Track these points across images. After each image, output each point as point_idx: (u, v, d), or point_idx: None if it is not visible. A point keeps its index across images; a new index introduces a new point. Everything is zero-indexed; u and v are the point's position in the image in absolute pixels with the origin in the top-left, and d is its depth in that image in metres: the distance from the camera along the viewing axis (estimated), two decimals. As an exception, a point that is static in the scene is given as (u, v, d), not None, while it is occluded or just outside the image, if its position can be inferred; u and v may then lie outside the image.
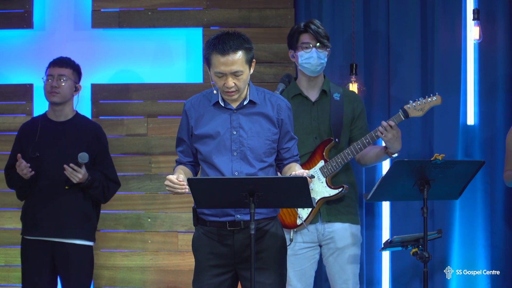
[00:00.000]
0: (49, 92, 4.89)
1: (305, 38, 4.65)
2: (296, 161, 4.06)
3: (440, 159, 4.03)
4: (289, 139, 4.02)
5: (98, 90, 5.68)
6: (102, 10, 5.71)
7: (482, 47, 5.37)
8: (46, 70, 4.95)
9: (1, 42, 5.77)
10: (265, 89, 4.02)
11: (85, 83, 5.65)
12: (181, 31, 5.72)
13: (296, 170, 3.89)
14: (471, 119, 5.39)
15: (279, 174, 4.13)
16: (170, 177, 3.77)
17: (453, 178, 4.17)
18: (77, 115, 5.01)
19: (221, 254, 3.93)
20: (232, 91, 3.85)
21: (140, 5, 5.71)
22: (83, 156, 4.73)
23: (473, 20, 5.30)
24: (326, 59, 4.66)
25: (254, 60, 3.89)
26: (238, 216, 3.90)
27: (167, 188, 3.78)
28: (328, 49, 4.67)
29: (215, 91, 3.94)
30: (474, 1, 5.35)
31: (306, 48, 4.64)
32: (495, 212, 5.35)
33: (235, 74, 3.82)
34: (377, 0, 5.48)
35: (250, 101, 3.94)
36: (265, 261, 3.91)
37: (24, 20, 5.72)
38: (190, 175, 4.00)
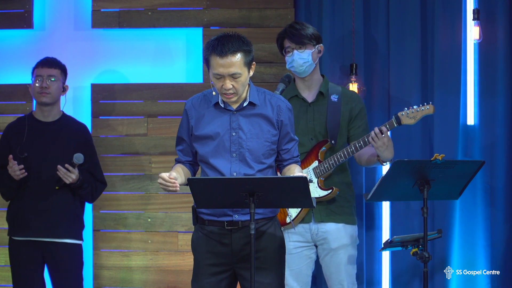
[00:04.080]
0: (39, 92, 4.90)
1: (286, 43, 4.70)
2: (296, 162, 4.06)
3: (440, 159, 4.03)
4: (289, 140, 4.02)
5: (98, 90, 5.68)
6: (102, 10, 5.71)
7: (482, 47, 5.37)
8: (33, 70, 4.95)
9: (1, 42, 5.77)
10: (266, 89, 4.02)
11: (85, 83, 5.66)
12: (181, 31, 5.72)
13: (295, 172, 3.90)
14: (471, 119, 5.39)
15: (279, 175, 4.14)
16: (162, 174, 3.79)
17: (453, 178, 4.17)
18: (64, 116, 5.02)
19: (219, 254, 3.94)
20: (230, 93, 3.85)
21: (140, 5, 5.71)
22: (79, 157, 4.74)
23: (473, 20, 5.30)
24: (310, 57, 4.65)
25: (254, 62, 3.89)
26: (236, 216, 3.91)
27: (160, 186, 3.80)
28: (315, 47, 4.67)
29: (214, 93, 3.94)
30: (474, 1, 5.35)
31: (289, 52, 4.67)
32: (495, 212, 5.35)
33: (233, 76, 3.82)
34: (377, 0, 5.48)
35: (250, 103, 3.94)
36: (262, 261, 3.92)
37: (24, 20, 5.72)
38: (188, 174, 4.01)
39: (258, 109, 3.95)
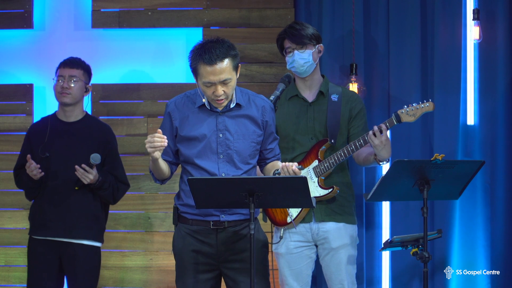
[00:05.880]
0: (60, 93, 4.89)
1: (286, 43, 4.70)
2: (278, 159, 4.10)
3: (440, 159, 4.03)
4: (272, 140, 4.07)
5: (98, 90, 5.68)
6: (102, 10, 5.72)
7: (482, 47, 5.37)
8: (56, 70, 4.94)
9: (1, 42, 5.77)
10: (248, 90, 4.04)
11: (85, 83, 5.67)
12: (181, 31, 5.72)
13: (278, 167, 3.94)
14: (471, 119, 5.39)
15: (258, 172, 4.15)
16: (150, 135, 3.75)
17: (453, 178, 4.17)
18: (87, 116, 5.01)
19: (204, 253, 3.95)
20: (222, 99, 3.86)
21: (140, 5, 5.71)
22: (96, 157, 4.73)
23: (473, 20, 5.30)
24: (310, 57, 4.65)
25: (239, 65, 3.89)
26: (223, 216, 3.93)
27: (146, 145, 3.75)
28: (315, 46, 4.67)
29: (204, 99, 3.93)
30: (474, 1, 5.35)
31: (289, 52, 4.67)
32: (495, 212, 5.35)
33: (224, 82, 3.83)
34: (377, 0, 5.48)
35: (237, 104, 3.95)
36: (248, 261, 3.93)
37: (24, 20, 5.72)
38: (168, 170, 3.99)
39: (244, 110, 3.97)
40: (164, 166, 3.95)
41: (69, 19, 5.77)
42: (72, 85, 4.89)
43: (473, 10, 5.30)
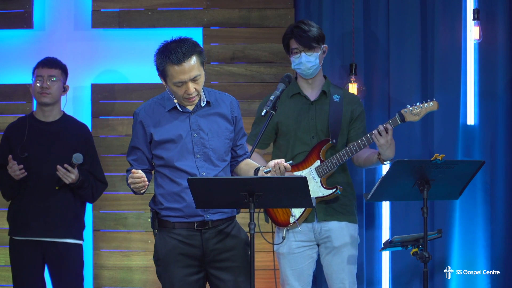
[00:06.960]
0: (39, 93, 4.91)
1: (293, 43, 4.68)
2: (248, 157, 4.12)
3: (440, 159, 4.03)
4: (242, 136, 4.09)
5: (98, 90, 5.68)
6: (102, 10, 5.71)
7: (482, 47, 5.37)
8: (34, 70, 4.96)
9: (1, 42, 5.77)
10: (212, 89, 4.06)
11: (85, 83, 5.66)
12: (181, 31, 5.69)
13: (256, 166, 3.95)
14: (471, 119, 5.39)
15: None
16: (130, 175, 3.78)
17: (453, 178, 4.17)
18: (65, 116, 5.02)
19: (191, 255, 3.94)
20: (193, 97, 3.87)
21: (140, 5, 5.71)
22: (78, 157, 4.75)
23: (473, 20, 5.30)
24: (317, 60, 4.66)
25: (205, 61, 3.90)
26: (207, 216, 3.92)
27: (131, 186, 3.79)
28: (321, 49, 4.67)
29: (175, 100, 3.93)
30: (474, 1, 5.35)
31: (296, 53, 4.66)
32: (495, 212, 5.35)
33: (194, 80, 3.84)
34: (377, 0, 5.48)
35: (207, 102, 3.96)
36: (234, 260, 3.95)
37: (24, 20, 5.72)
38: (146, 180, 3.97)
39: (213, 107, 3.98)
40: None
41: (69, 19, 5.76)
42: (52, 85, 4.90)
43: (473, 10, 5.30)
